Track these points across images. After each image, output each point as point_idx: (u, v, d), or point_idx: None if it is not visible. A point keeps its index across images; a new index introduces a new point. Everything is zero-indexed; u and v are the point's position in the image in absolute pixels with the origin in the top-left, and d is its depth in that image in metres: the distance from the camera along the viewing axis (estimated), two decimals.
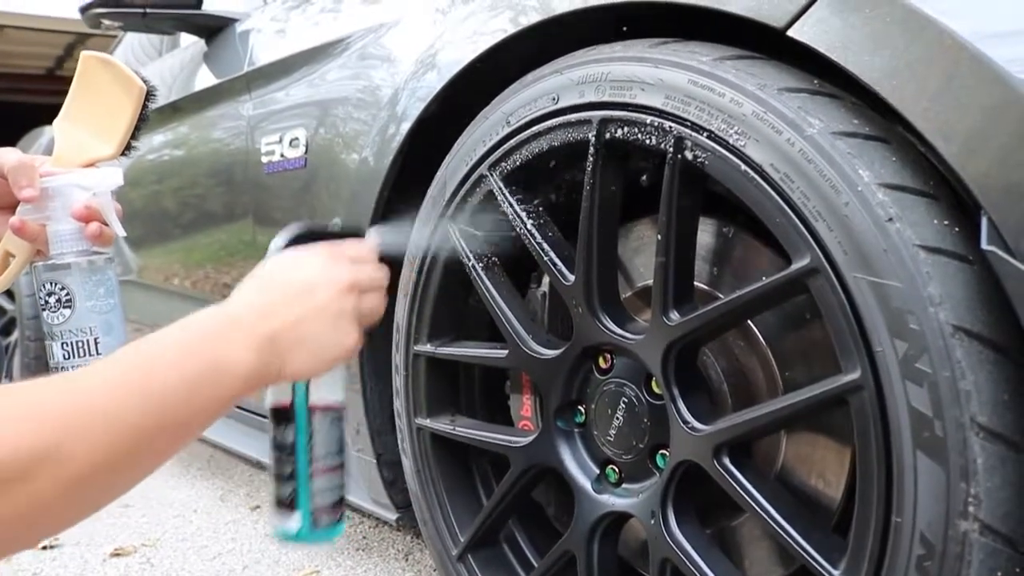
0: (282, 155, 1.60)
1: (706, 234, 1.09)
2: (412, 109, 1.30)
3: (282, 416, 0.87)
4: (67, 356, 1.06)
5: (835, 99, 0.86)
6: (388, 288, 0.95)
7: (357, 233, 0.97)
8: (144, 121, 1.10)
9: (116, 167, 1.08)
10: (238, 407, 2.06)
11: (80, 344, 1.07)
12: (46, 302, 1.05)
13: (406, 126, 1.30)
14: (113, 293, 1.13)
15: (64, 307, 1.07)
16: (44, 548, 2.00)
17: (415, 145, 1.32)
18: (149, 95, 1.06)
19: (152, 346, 0.73)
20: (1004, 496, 0.75)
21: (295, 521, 0.87)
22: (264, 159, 1.65)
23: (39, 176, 1.01)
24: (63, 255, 1.03)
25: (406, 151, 1.31)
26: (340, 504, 0.91)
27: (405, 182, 1.35)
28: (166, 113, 2.19)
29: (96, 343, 1.08)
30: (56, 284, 1.04)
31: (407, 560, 1.83)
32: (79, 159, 1.09)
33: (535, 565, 1.25)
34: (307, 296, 0.82)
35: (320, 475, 0.88)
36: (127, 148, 1.11)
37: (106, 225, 1.07)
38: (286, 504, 0.87)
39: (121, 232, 1.09)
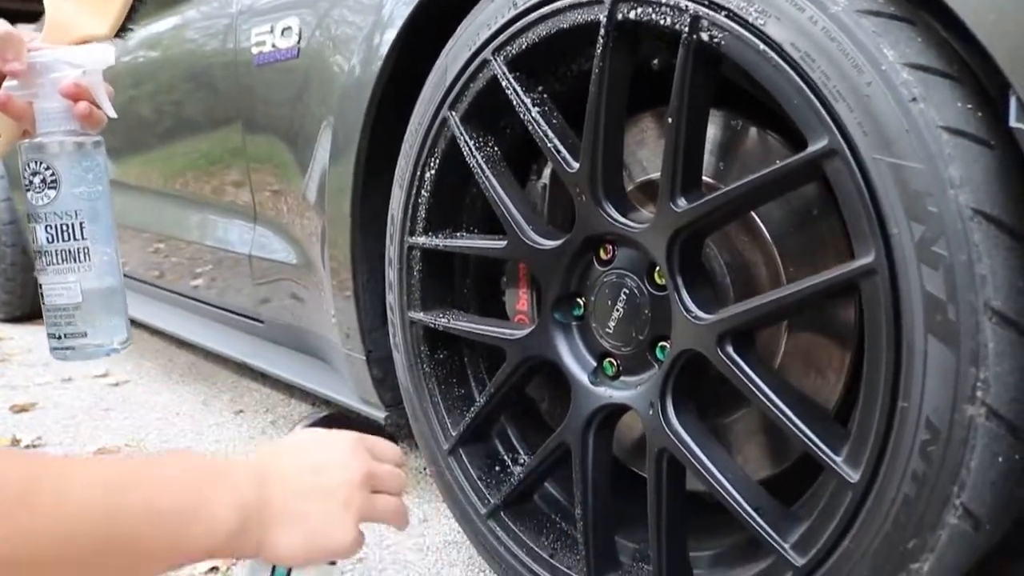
0: (274, 45, 1.55)
1: (714, 127, 1.07)
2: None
3: None
4: (51, 239, 1.03)
5: None
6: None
7: (387, 435, 0.91)
8: (141, 1, 1.06)
9: (110, 47, 1.04)
10: (223, 308, 2.04)
11: (64, 227, 1.04)
12: (30, 182, 1.01)
13: (397, 25, 1.26)
14: (102, 179, 1.10)
15: (49, 188, 1.03)
16: (27, 447, 1.99)
17: (408, 49, 1.28)
18: None
19: (136, 466, 0.69)
20: (1012, 382, 0.75)
21: None
22: (255, 50, 1.60)
23: (27, 50, 0.97)
24: (50, 134, 0.99)
25: (396, 55, 1.27)
26: None
27: (399, 88, 1.31)
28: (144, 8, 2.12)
29: (81, 227, 1.05)
30: (41, 164, 1.01)
31: None
32: (70, 36, 1.05)
33: (526, 460, 1.25)
34: (319, 474, 0.78)
35: None
36: (122, 30, 1.07)
37: (96, 106, 1.03)
38: None
39: (112, 114, 1.05)
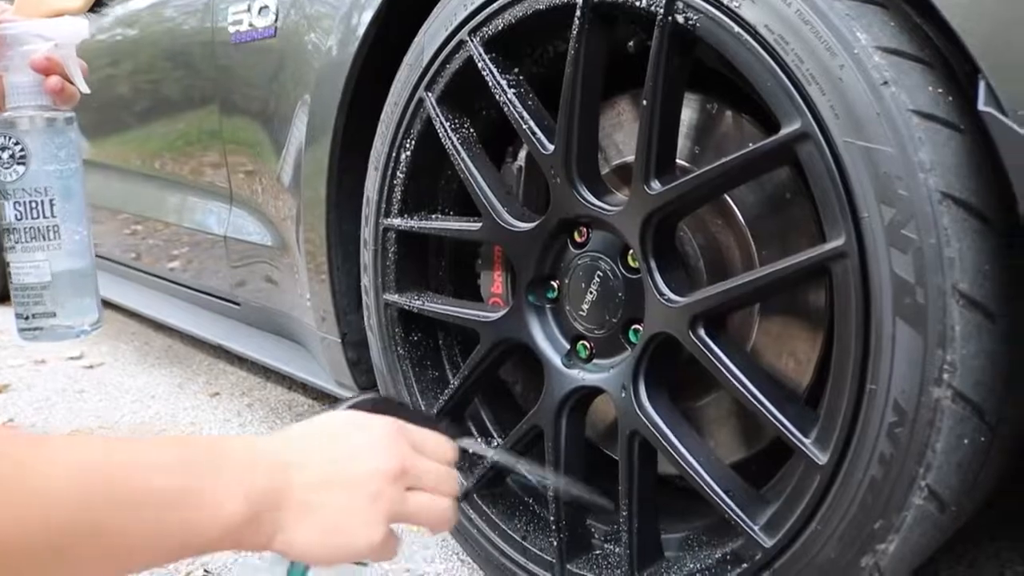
0: (251, 24, 1.54)
1: (689, 110, 1.07)
2: None
3: None
4: (19, 216, 1.02)
5: None
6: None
7: (439, 428, 0.82)
8: None
9: (83, 20, 1.03)
10: (199, 291, 2.03)
11: (33, 205, 1.03)
12: None
13: (376, 3, 1.25)
14: (74, 157, 1.08)
15: (18, 164, 1.02)
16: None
17: (386, 28, 1.27)
18: None
19: (134, 445, 0.61)
20: (977, 364, 0.76)
21: None
22: (232, 29, 1.58)
23: None
24: (20, 108, 0.98)
25: (373, 37, 1.26)
26: None
27: (374, 71, 1.31)
28: None
29: (52, 205, 1.04)
30: (10, 138, 0.99)
31: None
32: (42, 9, 1.04)
33: (500, 443, 1.25)
34: (345, 463, 0.69)
35: None
36: (97, 4, 1.05)
37: (69, 81, 1.02)
38: None
39: (84, 89, 1.04)
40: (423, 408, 1.27)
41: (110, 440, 0.61)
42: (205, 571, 1.33)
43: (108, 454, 0.60)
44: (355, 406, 0.79)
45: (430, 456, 0.75)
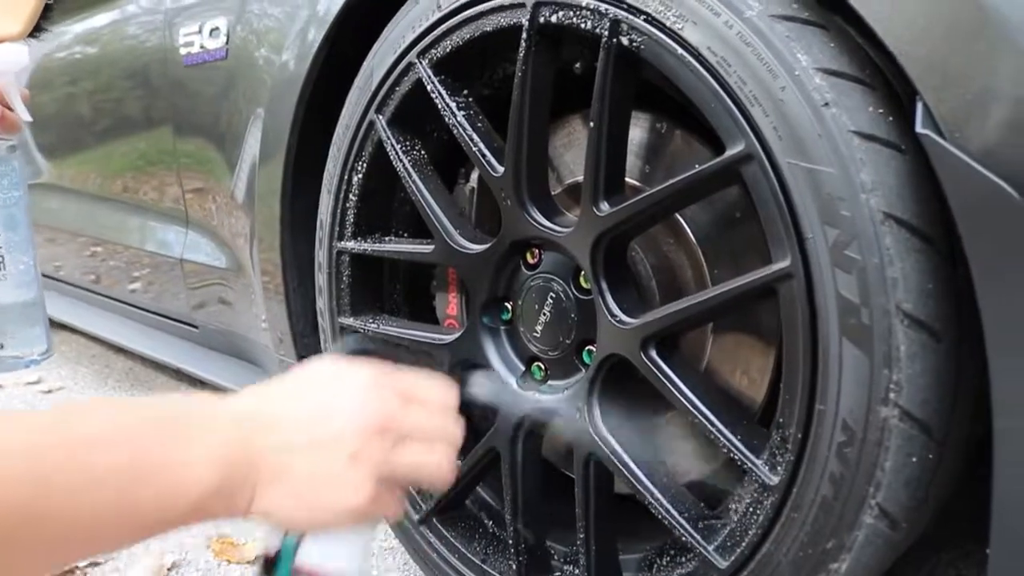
0: (202, 46, 1.52)
1: (639, 129, 1.07)
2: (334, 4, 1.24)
3: (267, 568, 0.67)
4: None
5: None
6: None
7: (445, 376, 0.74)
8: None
9: (23, 47, 1.01)
10: (153, 312, 2.00)
11: None
12: None
13: (326, 25, 1.24)
14: (18, 186, 1.07)
15: None
16: None
17: (339, 48, 1.27)
18: None
19: (93, 416, 0.57)
20: (923, 383, 0.76)
21: None
22: (183, 51, 1.57)
23: None
24: None
25: (325, 56, 1.25)
26: None
27: (327, 90, 1.30)
28: (75, 4, 2.07)
29: None
30: None
31: None
32: None
33: (458, 463, 1.24)
34: (318, 422, 0.63)
35: None
36: (36, 30, 1.04)
37: (9, 109, 1.00)
38: None
39: (26, 117, 1.02)
40: None
41: (67, 415, 0.56)
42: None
43: (55, 425, 0.55)
44: (347, 351, 0.71)
45: (424, 404, 0.69)
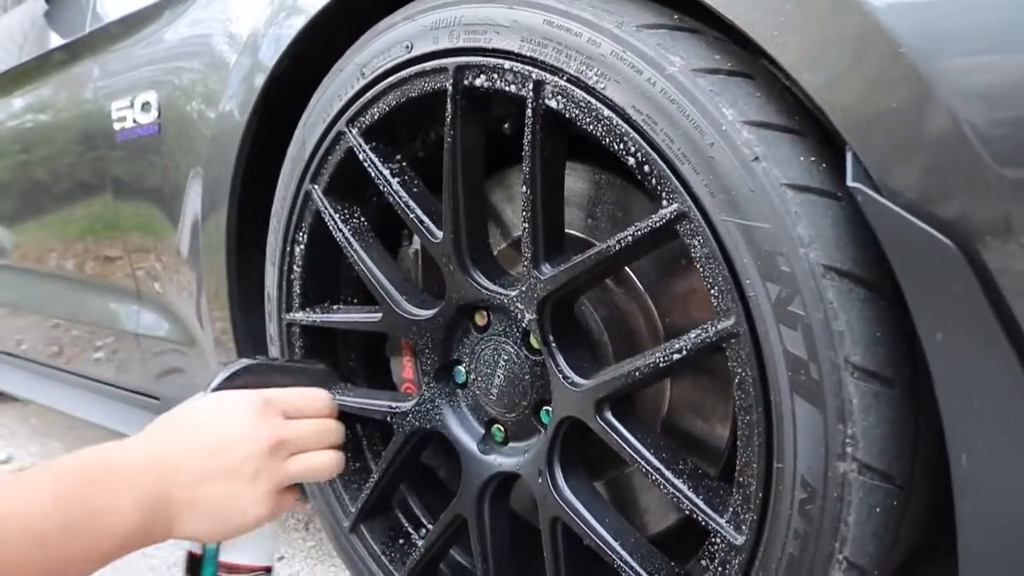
0: (135, 120, 1.49)
1: (580, 180, 1.05)
2: (268, 60, 1.21)
3: (192, 566, 0.80)
4: None
5: (696, 34, 0.82)
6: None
7: (318, 375, 0.88)
8: None
9: None
10: (120, 387, 1.97)
11: None
12: None
13: (261, 79, 1.21)
14: None
15: None
16: None
17: (273, 103, 1.24)
18: None
19: (37, 480, 0.66)
20: (879, 433, 0.74)
21: None
22: (116, 126, 1.54)
23: None
24: None
25: (261, 109, 1.23)
26: None
27: (266, 142, 1.27)
28: (21, 75, 2.03)
29: None
30: None
31: (307, 529, 1.78)
32: None
33: (429, 529, 1.22)
34: (219, 454, 0.74)
35: None
36: None
37: None
38: None
39: None
40: (348, 503, 1.23)
41: (5, 487, 0.66)
42: None
43: (22, 487, 0.65)
44: (223, 384, 0.82)
45: (306, 414, 0.81)
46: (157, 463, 0.72)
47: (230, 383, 0.82)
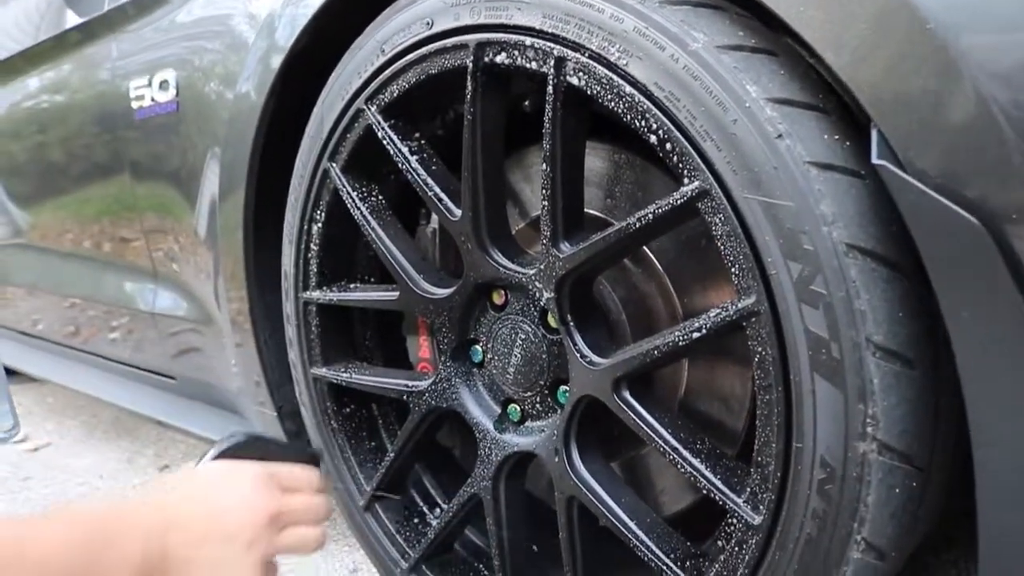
0: (153, 99, 1.49)
1: (599, 160, 1.05)
2: (285, 40, 1.21)
3: None
4: None
5: (719, 10, 0.82)
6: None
7: (308, 456, 0.93)
8: None
9: None
10: (136, 367, 1.97)
11: None
12: None
13: (278, 59, 1.21)
14: None
15: None
16: None
17: (291, 84, 1.24)
18: None
19: (20, 538, 0.68)
20: (900, 414, 0.74)
21: None
22: (134, 104, 1.54)
23: None
24: None
25: (279, 90, 1.22)
26: None
27: (284, 123, 1.26)
28: (37, 55, 2.03)
29: None
30: None
31: None
32: None
33: (444, 508, 1.22)
34: (220, 519, 0.78)
35: None
36: None
37: None
38: None
39: None
40: (363, 481, 1.23)
41: (21, 536, 0.68)
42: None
43: (4, 549, 0.66)
44: (224, 453, 0.87)
45: (300, 490, 0.86)
46: (162, 523, 0.76)
47: (229, 454, 0.87)
